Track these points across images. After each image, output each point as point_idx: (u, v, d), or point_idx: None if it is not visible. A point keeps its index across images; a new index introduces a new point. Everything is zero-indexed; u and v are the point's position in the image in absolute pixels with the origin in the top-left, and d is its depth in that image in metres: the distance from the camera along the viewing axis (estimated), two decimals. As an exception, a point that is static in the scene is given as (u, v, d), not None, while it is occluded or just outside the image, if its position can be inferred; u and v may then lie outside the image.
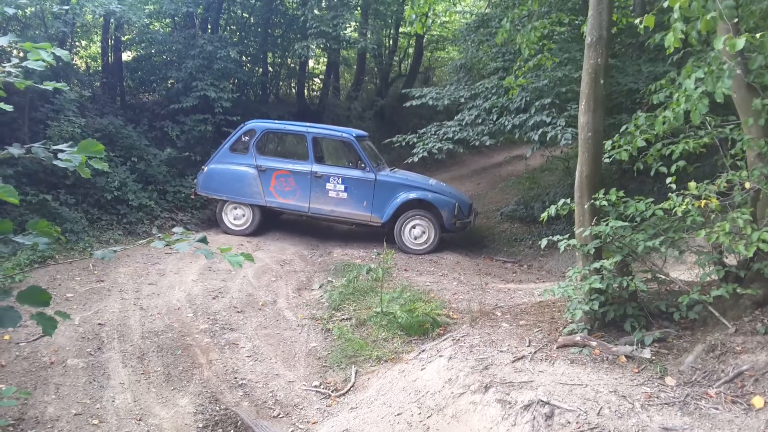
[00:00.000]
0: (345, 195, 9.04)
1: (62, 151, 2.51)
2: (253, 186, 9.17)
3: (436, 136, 9.21)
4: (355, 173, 9.04)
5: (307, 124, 9.67)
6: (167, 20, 13.85)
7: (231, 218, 9.34)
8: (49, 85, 2.68)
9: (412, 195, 8.96)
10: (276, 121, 10.18)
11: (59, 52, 2.63)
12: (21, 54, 8.41)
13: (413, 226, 8.88)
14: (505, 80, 8.23)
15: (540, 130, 8.03)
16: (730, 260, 4.37)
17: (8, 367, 5.00)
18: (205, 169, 9.39)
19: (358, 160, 9.03)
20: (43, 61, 2.56)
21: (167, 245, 2.63)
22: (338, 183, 9.04)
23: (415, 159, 9.03)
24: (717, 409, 3.37)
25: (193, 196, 9.81)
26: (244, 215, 9.31)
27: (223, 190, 9.28)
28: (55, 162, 2.49)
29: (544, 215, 4.79)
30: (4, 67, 2.57)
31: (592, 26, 4.53)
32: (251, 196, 9.19)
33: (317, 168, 9.09)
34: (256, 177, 9.14)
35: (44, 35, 9.81)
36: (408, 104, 10.10)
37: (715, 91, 3.60)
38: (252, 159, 9.23)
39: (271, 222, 9.80)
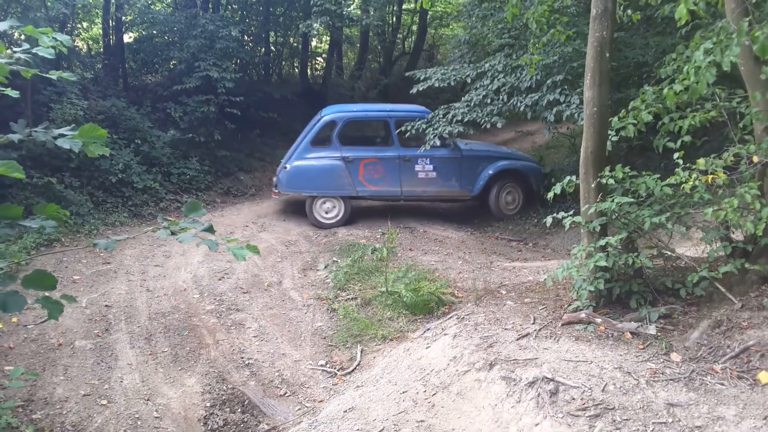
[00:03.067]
0: (434, 174, 9.15)
1: (63, 135, 2.47)
2: (342, 178, 9.02)
3: (445, 120, 9.04)
4: (442, 152, 9.13)
5: (386, 106, 9.61)
6: (168, 0, 13.73)
7: (322, 212, 9.14)
8: (54, 74, 2.64)
9: (502, 165, 9.31)
10: (353, 108, 10.03)
11: (61, 37, 2.58)
12: (22, 37, 8.35)
13: (507, 193, 9.33)
14: (521, 59, 8.02)
15: (554, 109, 7.87)
16: (737, 234, 4.33)
17: (17, 350, 5.06)
18: (288, 167, 9.11)
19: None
20: (53, 48, 2.51)
21: (172, 234, 2.56)
22: (426, 163, 9.12)
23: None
24: (722, 384, 3.36)
25: (275, 196, 9.55)
26: (334, 208, 9.15)
27: (312, 187, 9.06)
28: (58, 144, 2.44)
29: (551, 194, 4.74)
30: (15, 51, 2.53)
31: (597, -2, 4.44)
32: (341, 188, 9.04)
33: (404, 152, 9.13)
34: (344, 168, 8.98)
35: (45, 17, 9.75)
36: (414, 90, 9.89)
37: (723, 60, 3.53)
38: (337, 151, 9.04)
39: (274, 203, 9.79)
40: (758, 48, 3.29)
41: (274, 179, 9.34)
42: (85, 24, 13.09)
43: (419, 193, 9.34)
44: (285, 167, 9.12)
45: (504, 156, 9.67)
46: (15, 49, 2.53)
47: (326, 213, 9.11)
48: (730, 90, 4.47)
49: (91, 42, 13.62)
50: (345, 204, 9.09)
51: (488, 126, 8.92)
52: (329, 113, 9.40)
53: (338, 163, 9.01)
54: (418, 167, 9.13)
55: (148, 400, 4.55)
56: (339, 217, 9.09)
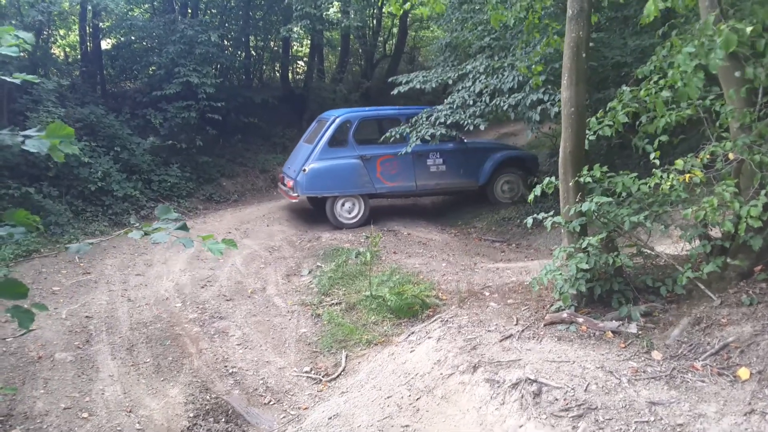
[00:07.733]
0: (444, 167, 9.58)
1: (30, 137, 2.42)
2: (362, 176, 9.20)
3: (428, 122, 9.09)
4: (449, 145, 9.53)
5: (396, 107, 9.88)
6: (146, 6, 13.63)
7: (344, 213, 9.22)
8: (18, 77, 2.59)
9: (502, 155, 9.83)
10: (365, 109, 10.29)
11: (23, 34, 2.53)
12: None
13: (504, 182, 9.83)
14: (519, 68, 8.03)
15: (539, 108, 7.94)
16: (714, 231, 4.37)
17: (-5, 364, 4.97)
18: (306, 169, 9.08)
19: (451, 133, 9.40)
20: (16, 46, 2.46)
21: (145, 235, 2.55)
22: (437, 157, 9.54)
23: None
24: (703, 381, 3.38)
25: (294, 200, 9.55)
26: (354, 207, 9.28)
27: (332, 187, 9.13)
28: (24, 147, 2.40)
29: (531, 196, 4.75)
30: None
31: (573, -1, 4.46)
32: (361, 186, 9.22)
33: (416, 147, 9.24)
34: (362, 167, 9.20)
35: (20, 24, 9.61)
36: (395, 91, 9.93)
37: (709, 63, 3.56)
38: (353, 150, 9.27)
39: (258, 209, 9.73)
40: (722, 41, 3.32)
41: (291, 182, 9.24)
42: (62, 31, 12.94)
43: (432, 187, 9.72)
44: (303, 170, 9.11)
45: (506, 147, 10.26)
46: None
47: (348, 213, 9.26)
48: (705, 88, 4.51)
49: (68, 49, 13.48)
50: (364, 203, 9.28)
51: (471, 128, 8.96)
52: (338, 115, 9.52)
53: (356, 162, 9.22)
54: (429, 161, 9.51)
55: (130, 412, 4.49)
56: (359, 217, 9.24)
